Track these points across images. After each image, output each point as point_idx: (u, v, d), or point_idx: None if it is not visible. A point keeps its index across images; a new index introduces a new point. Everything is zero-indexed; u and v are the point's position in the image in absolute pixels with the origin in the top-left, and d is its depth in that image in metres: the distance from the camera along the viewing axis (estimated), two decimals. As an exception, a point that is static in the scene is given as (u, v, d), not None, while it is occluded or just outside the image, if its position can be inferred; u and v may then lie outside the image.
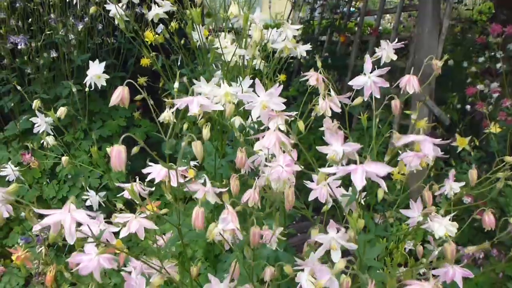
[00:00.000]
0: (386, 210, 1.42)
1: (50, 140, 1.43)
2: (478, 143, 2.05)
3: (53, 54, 2.26)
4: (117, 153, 0.72)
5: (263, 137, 0.80)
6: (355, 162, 0.71)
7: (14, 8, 2.28)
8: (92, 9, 1.25)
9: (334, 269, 0.76)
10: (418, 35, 2.77)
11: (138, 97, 0.84)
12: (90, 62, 0.98)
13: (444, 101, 3.07)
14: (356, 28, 3.74)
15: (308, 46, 1.20)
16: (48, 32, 2.26)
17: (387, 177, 1.48)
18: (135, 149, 0.82)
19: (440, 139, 0.85)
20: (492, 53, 2.78)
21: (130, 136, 0.77)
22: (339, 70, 3.67)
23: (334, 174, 0.72)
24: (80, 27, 2.25)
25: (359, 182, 0.68)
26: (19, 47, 2.15)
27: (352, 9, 4.32)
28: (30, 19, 2.32)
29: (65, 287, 1.81)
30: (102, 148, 2.32)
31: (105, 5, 1.31)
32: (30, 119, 2.35)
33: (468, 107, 2.75)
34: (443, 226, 0.91)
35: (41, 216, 0.65)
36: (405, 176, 1.40)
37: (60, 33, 2.23)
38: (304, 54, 1.18)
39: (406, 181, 1.34)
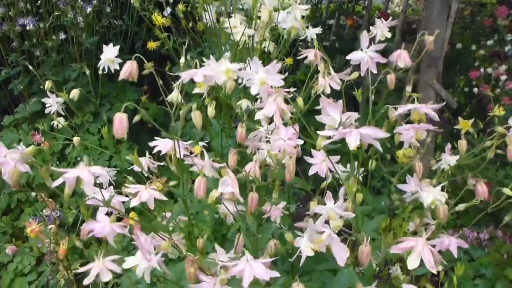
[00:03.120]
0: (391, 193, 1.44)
1: (61, 121, 1.44)
2: (483, 126, 2.05)
3: (62, 36, 2.28)
4: (119, 120, 0.76)
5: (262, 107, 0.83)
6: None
7: (23, -10, 2.29)
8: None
9: (333, 226, 0.79)
10: (426, 18, 2.74)
11: (146, 71, 0.86)
12: (104, 46, 1.01)
13: (452, 84, 3.06)
14: (364, 12, 3.72)
15: (318, 29, 1.21)
16: (56, 14, 2.27)
17: (392, 160, 1.49)
18: (136, 117, 0.85)
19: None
20: (501, 37, 2.76)
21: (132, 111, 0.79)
22: (346, 53, 3.64)
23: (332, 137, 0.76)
24: (88, 10, 2.26)
25: (353, 142, 0.74)
26: (27, 28, 2.16)
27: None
28: (39, 1, 2.33)
29: (76, 265, 1.85)
30: (110, 131, 2.34)
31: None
32: (40, 101, 2.38)
33: (475, 90, 2.74)
34: (431, 195, 0.92)
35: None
36: (411, 157, 1.41)
37: (68, 15, 2.24)
38: (314, 37, 1.20)
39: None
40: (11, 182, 0.70)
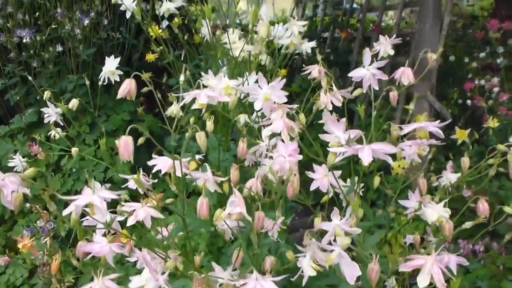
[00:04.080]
0: (387, 206, 1.45)
1: (56, 133, 1.45)
2: (478, 136, 2.08)
3: (59, 48, 2.29)
4: (125, 143, 0.76)
5: (269, 124, 0.83)
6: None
7: (21, 2, 2.30)
8: (114, 0, 1.28)
9: (341, 244, 0.79)
10: (420, 31, 2.79)
11: (145, 89, 0.86)
12: (101, 57, 1.01)
13: (445, 96, 3.10)
14: (359, 25, 3.76)
15: (313, 43, 1.23)
16: (54, 27, 2.29)
17: (387, 172, 1.50)
18: (141, 140, 0.85)
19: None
20: (493, 49, 2.81)
21: (134, 131, 0.80)
22: (341, 66, 3.69)
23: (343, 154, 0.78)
24: (86, 22, 2.28)
25: (366, 158, 0.75)
26: (24, 40, 2.17)
27: (354, 5, 4.34)
28: (37, 14, 2.34)
29: (69, 278, 1.84)
30: (107, 142, 2.35)
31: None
32: (39, 110, 2.37)
33: (468, 102, 2.77)
34: (436, 212, 0.93)
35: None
36: (406, 169, 1.43)
37: (66, 27, 2.26)
38: (309, 50, 1.22)
39: (407, 177, 1.37)
40: (11, 206, 0.69)
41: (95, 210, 0.71)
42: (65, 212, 0.73)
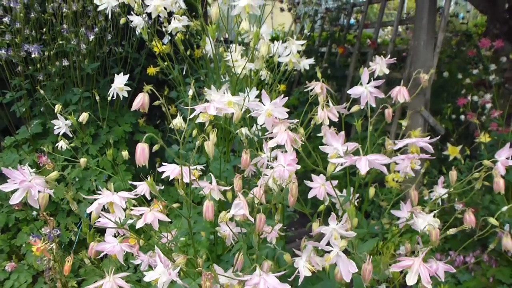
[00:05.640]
0: (382, 217, 1.51)
1: (64, 144, 1.51)
2: (469, 152, 2.14)
3: (65, 62, 2.36)
4: (142, 149, 0.84)
5: (273, 137, 0.91)
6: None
7: (28, 18, 2.38)
8: (122, 20, 1.36)
9: (339, 245, 0.87)
10: (414, 47, 2.87)
11: (156, 102, 0.93)
12: (115, 74, 1.09)
13: (439, 111, 3.17)
14: (356, 40, 3.85)
15: (311, 60, 1.30)
16: (60, 42, 2.36)
17: (381, 185, 1.56)
18: (155, 147, 0.92)
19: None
20: (486, 66, 2.88)
21: (137, 141, 0.87)
22: (338, 80, 3.77)
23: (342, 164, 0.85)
24: (91, 37, 2.35)
25: (363, 168, 0.83)
26: (32, 55, 2.24)
27: (352, 20, 4.44)
28: (43, 29, 2.41)
29: (73, 283, 1.89)
30: (107, 153, 2.41)
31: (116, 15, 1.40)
32: (43, 122, 2.42)
33: (462, 117, 2.84)
34: (426, 221, 1.00)
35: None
36: (399, 182, 1.49)
37: (72, 43, 2.33)
38: (307, 67, 1.29)
39: (400, 189, 1.43)
40: (36, 205, 0.77)
41: (115, 207, 0.80)
42: (89, 210, 0.82)
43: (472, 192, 1.08)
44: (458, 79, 3.24)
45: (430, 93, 2.85)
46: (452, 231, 1.02)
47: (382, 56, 1.15)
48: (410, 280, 0.83)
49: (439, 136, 2.65)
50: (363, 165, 0.83)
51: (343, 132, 0.95)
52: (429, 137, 1.00)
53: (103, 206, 0.83)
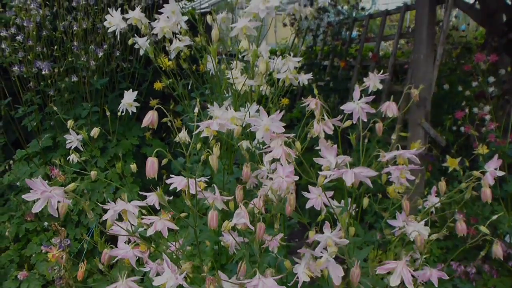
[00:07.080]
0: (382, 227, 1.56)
1: (75, 157, 1.58)
2: (468, 163, 2.19)
3: (74, 78, 2.45)
4: (152, 163, 0.91)
5: (270, 151, 0.97)
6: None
7: (40, 36, 2.47)
8: (130, 41, 1.44)
9: (329, 252, 0.93)
10: (415, 61, 2.91)
11: (165, 119, 0.99)
12: (125, 91, 1.16)
13: (440, 123, 3.21)
14: (357, 53, 3.92)
15: (309, 75, 1.37)
16: (70, 59, 2.45)
17: (384, 195, 1.62)
18: (164, 161, 0.99)
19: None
20: (485, 79, 2.93)
21: (143, 154, 0.94)
22: (340, 93, 3.84)
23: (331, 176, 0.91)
24: (100, 54, 2.44)
25: (349, 180, 0.89)
26: (43, 72, 2.33)
27: (354, 33, 4.51)
28: (54, 46, 2.50)
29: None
30: (116, 165, 2.48)
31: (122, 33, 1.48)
32: (54, 136, 2.50)
33: (462, 129, 2.88)
34: (416, 229, 1.06)
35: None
36: (401, 193, 1.54)
37: (81, 59, 2.42)
38: (306, 82, 1.35)
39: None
40: (56, 214, 0.83)
41: (128, 215, 0.88)
42: (104, 217, 0.89)
43: (463, 200, 1.14)
44: (458, 91, 3.29)
45: (430, 105, 2.89)
46: (434, 236, 1.08)
47: (382, 70, 1.22)
48: (393, 281, 0.90)
49: (440, 147, 2.69)
50: (349, 177, 0.90)
51: (335, 146, 1.01)
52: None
53: (115, 215, 0.89)
